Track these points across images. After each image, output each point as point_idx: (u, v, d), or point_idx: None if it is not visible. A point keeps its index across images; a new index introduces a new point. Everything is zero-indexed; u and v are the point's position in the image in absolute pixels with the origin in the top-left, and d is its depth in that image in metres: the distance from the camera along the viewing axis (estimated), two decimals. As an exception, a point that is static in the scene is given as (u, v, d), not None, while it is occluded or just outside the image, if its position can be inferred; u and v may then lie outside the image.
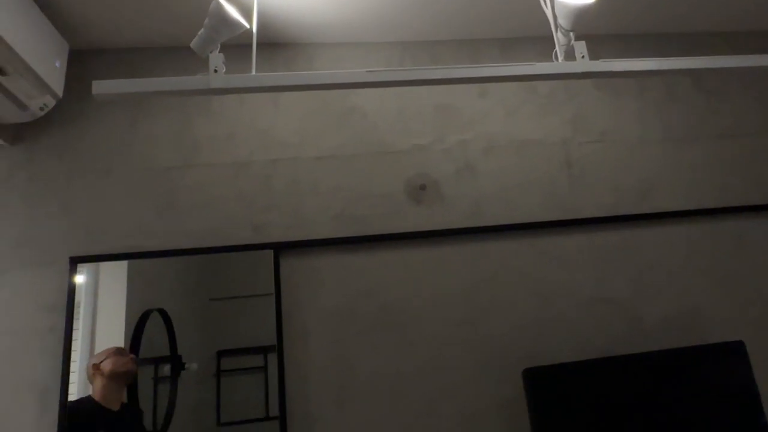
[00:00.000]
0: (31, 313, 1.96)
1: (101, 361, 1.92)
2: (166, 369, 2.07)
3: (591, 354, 1.76)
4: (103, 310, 1.99)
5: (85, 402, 1.88)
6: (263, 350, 2.02)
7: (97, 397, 1.89)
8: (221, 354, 2.06)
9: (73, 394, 1.89)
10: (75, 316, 1.97)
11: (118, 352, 1.95)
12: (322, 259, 2.03)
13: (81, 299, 1.98)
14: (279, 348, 1.96)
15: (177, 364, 2.06)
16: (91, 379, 1.91)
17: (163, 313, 2.11)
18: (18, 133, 2.15)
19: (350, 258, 2.04)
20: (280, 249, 2.10)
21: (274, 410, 1.95)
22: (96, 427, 1.85)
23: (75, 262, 2.03)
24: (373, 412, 1.83)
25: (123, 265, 2.06)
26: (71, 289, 1.97)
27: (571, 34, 1.59)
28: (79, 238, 2.05)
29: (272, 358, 2.00)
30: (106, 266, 2.06)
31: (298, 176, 2.14)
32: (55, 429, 1.78)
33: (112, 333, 1.97)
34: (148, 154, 2.18)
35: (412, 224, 2.12)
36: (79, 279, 2.01)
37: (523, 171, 2.15)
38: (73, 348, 1.92)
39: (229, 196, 2.17)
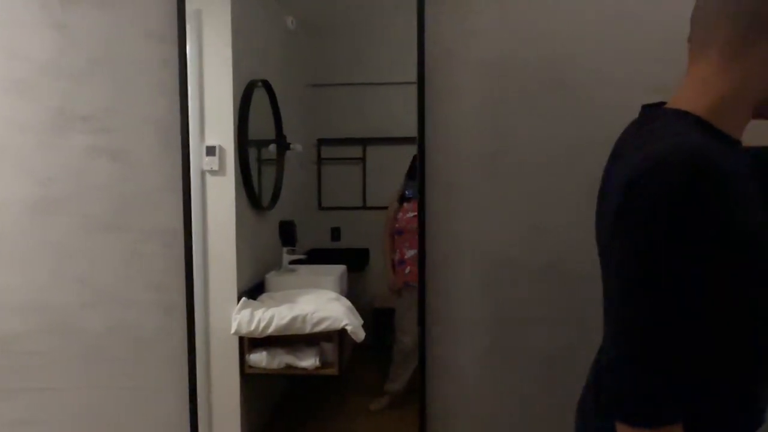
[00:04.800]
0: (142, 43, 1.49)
1: None
2: (271, 150, 1.88)
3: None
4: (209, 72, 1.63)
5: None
6: (362, 142, 2.00)
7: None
8: (321, 142, 1.96)
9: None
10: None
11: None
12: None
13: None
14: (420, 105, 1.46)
15: (282, 143, 1.89)
16: None
17: (267, 85, 1.82)
18: None
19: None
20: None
21: (372, 200, 2.03)
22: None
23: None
24: (529, 185, 1.43)
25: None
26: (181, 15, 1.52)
27: None
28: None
29: (371, 150, 2.01)
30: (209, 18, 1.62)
31: None
32: (179, 168, 1.52)
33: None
34: None
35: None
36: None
37: None
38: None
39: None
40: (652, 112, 0.78)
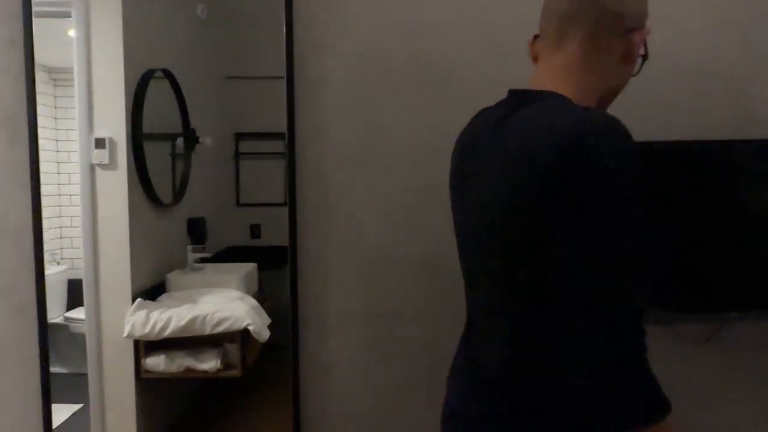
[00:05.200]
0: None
1: None
2: (179, 143, 1.80)
3: (683, 136, 1.35)
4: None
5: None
6: (283, 136, 1.93)
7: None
8: (239, 136, 1.89)
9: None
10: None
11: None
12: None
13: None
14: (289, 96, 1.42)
15: (190, 137, 1.81)
16: None
17: (170, 76, 1.74)
18: None
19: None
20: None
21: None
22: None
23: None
24: (407, 180, 1.40)
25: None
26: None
27: None
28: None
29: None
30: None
31: None
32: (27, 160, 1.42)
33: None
34: None
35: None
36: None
37: None
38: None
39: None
40: (526, 95, 0.79)
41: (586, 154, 0.64)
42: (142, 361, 1.56)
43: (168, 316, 1.54)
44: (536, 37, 0.84)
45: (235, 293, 1.66)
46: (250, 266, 1.78)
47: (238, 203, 1.92)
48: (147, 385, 1.58)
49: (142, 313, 1.53)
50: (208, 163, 1.88)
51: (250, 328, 1.57)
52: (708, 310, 1.30)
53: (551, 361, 0.68)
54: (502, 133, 0.77)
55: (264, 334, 1.58)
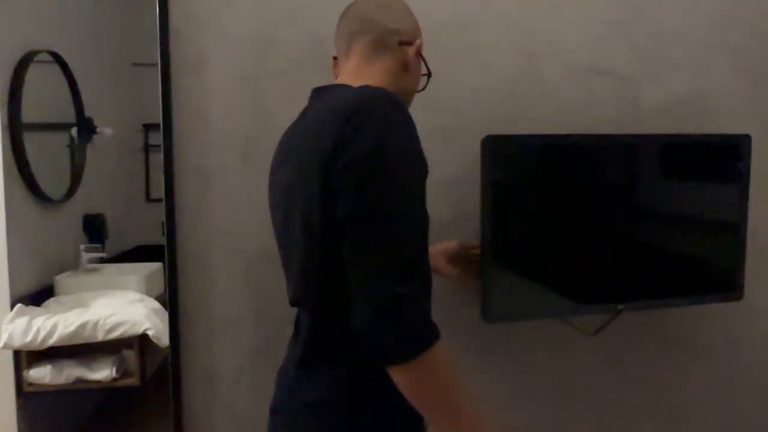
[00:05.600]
0: None
1: None
2: (73, 134, 1.65)
3: (572, 131, 1.37)
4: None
5: None
6: None
7: None
8: (149, 127, 1.74)
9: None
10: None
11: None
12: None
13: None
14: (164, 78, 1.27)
15: (85, 127, 1.66)
16: None
17: (59, 60, 1.59)
18: None
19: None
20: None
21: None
22: None
23: None
24: None
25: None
26: None
27: None
28: None
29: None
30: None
31: None
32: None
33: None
34: None
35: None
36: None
37: None
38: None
39: None
40: (325, 89, 0.89)
41: (360, 119, 0.71)
42: (25, 373, 1.41)
43: (53, 323, 1.39)
44: (335, 59, 0.99)
45: (134, 295, 1.52)
46: (155, 266, 1.63)
47: (148, 198, 1.78)
48: (31, 400, 1.43)
49: (22, 321, 1.38)
50: (113, 156, 1.73)
51: (150, 332, 1.44)
52: (601, 301, 1.29)
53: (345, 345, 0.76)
54: (302, 125, 0.86)
55: (165, 340, 1.45)
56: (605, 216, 1.31)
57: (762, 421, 1.60)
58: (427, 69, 1.00)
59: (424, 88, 1.02)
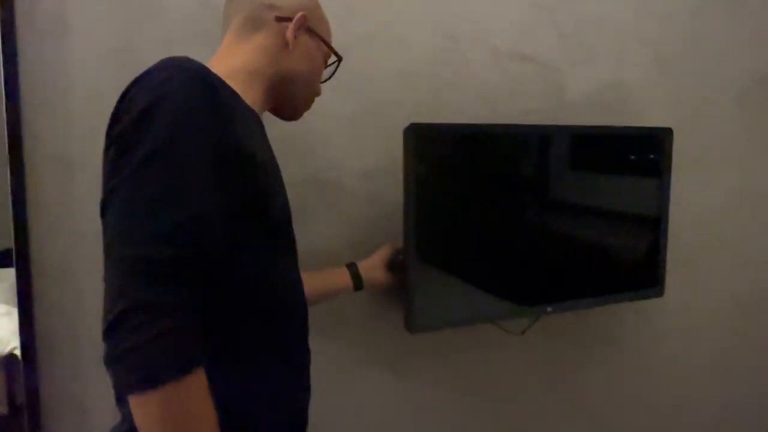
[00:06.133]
0: None
1: None
2: None
3: (495, 120, 1.30)
4: None
5: None
6: None
7: None
8: None
9: None
10: None
11: None
12: None
13: None
14: None
15: None
16: None
17: None
18: None
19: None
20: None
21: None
22: None
23: None
24: None
25: None
26: None
27: None
28: None
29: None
30: None
31: None
32: None
33: None
34: None
35: None
36: None
37: None
38: None
39: None
40: None
41: (133, 92, 0.62)
42: None
43: None
44: None
45: (1, 308, 1.24)
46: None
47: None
48: None
49: None
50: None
51: (17, 352, 1.17)
52: (529, 303, 1.22)
53: None
54: None
55: (35, 363, 1.18)
56: (529, 212, 1.24)
57: (681, 414, 1.62)
58: (335, 53, 0.92)
59: (333, 74, 0.95)
